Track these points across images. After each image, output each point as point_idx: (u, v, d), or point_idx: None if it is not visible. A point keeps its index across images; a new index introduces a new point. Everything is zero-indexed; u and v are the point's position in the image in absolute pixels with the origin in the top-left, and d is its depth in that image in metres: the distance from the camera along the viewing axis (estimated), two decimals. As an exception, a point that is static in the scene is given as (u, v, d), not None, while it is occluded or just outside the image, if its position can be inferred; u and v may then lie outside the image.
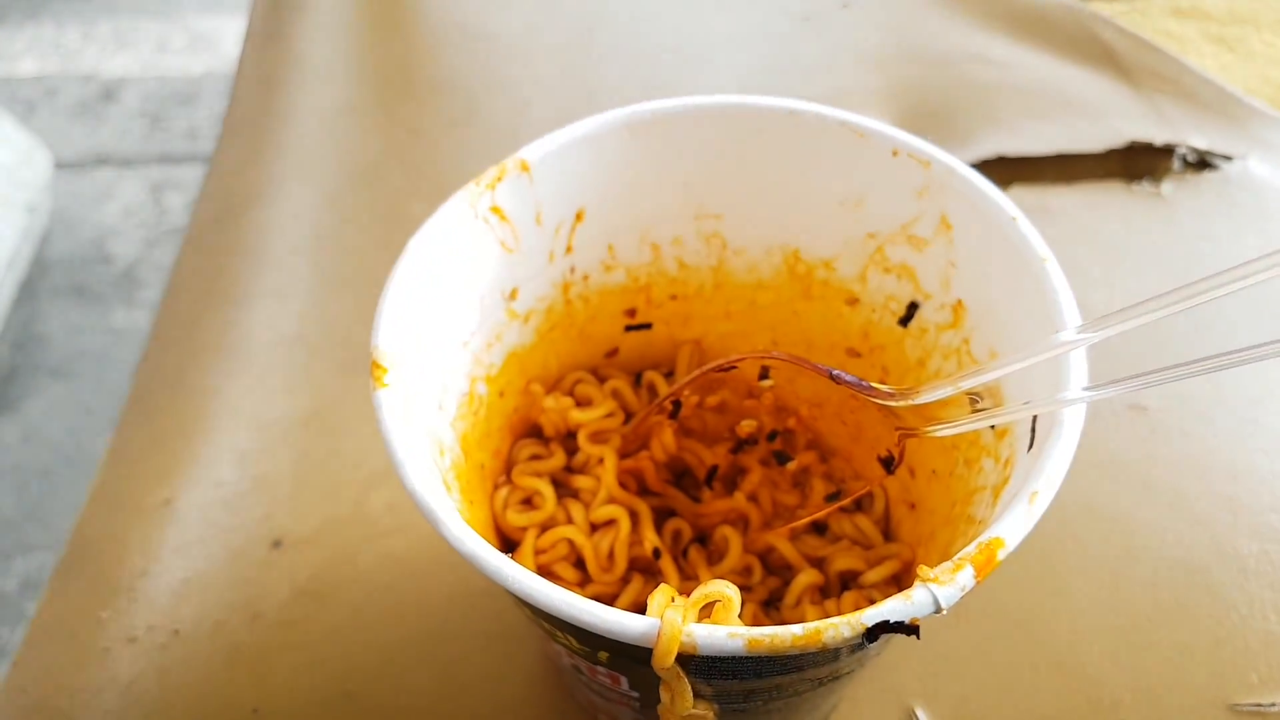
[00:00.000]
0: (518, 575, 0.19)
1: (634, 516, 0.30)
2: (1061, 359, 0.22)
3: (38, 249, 1.37)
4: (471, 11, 0.62)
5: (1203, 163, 0.52)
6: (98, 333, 1.31)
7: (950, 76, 0.56)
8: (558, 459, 0.31)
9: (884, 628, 0.18)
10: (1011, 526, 0.20)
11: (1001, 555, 0.20)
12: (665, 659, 0.18)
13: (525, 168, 0.26)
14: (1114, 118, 0.53)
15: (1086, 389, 0.22)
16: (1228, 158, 0.51)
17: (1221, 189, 0.52)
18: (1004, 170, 0.51)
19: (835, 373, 0.24)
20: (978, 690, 0.35)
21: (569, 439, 0.32)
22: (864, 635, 0.18)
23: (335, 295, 0.48)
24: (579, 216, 0.28)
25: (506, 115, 0.54)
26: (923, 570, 0.19)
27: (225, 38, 1.82)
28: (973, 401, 0.25)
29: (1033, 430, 0.23)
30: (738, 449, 0.31)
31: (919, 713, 0.34)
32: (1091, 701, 0.35)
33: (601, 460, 0.30)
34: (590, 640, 0.21)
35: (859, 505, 0.33)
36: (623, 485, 0.31)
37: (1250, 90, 0.57)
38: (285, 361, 0.45)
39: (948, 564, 0.19)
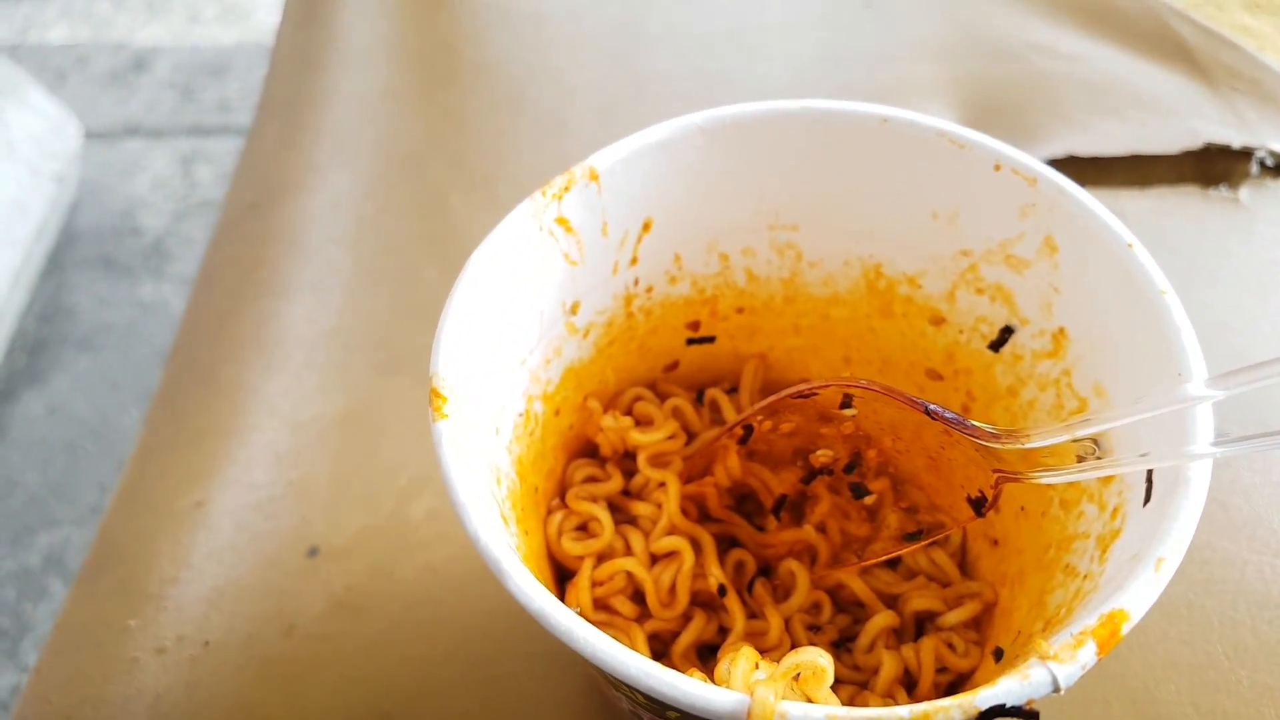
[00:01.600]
0: (590, 639, 0.18)
1: (696, 547, 0.28)
2: (1186, 413, 0.20)
3: (66, 219, 1.36)
4: (516, -8, 0.60)
5: (1282, 168, 0.49)
6: (125, 305, 1.30)
7: (1017, 69, 0.53)
8: (615, 482, 0.29)
9: (998, 711, 0.17)
10: (1136, 597, 0.18)
11: (1125, 629, 0.18)
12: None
13: (594, 176, 0.24)
14: (1189, 117, 0.50)
15: (1215, 443, 0.20)
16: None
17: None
18: (1073, 170, 0.48)
19: (933, 408, 0.22)
20: (1046, 730, 0.33)
21: (626, 459, 0.30)
22: (977, 719, 0.16)
23: (373, 289, 0.46)
24: (646, 226, 0.26)
25: (551, 103, 0.52)
26: (1041, 646, 0.17)
27: (257, 8, 1.81)
28: (1077, 444, 0.23)
29: (1149, 482, 0.21)
30: (811, 479, 0.29)
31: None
32: (1168, 744, 0.33)
33: (662, 485, 0.28)
34: (663, 705, 0.19)
35: (933, 531, 0.31)
36: (683, 512, 0.29)
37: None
38: (322, 359, 0.44)
39: (1067, 638, 0.18)
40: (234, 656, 0.35)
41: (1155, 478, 0.21)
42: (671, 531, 0.28)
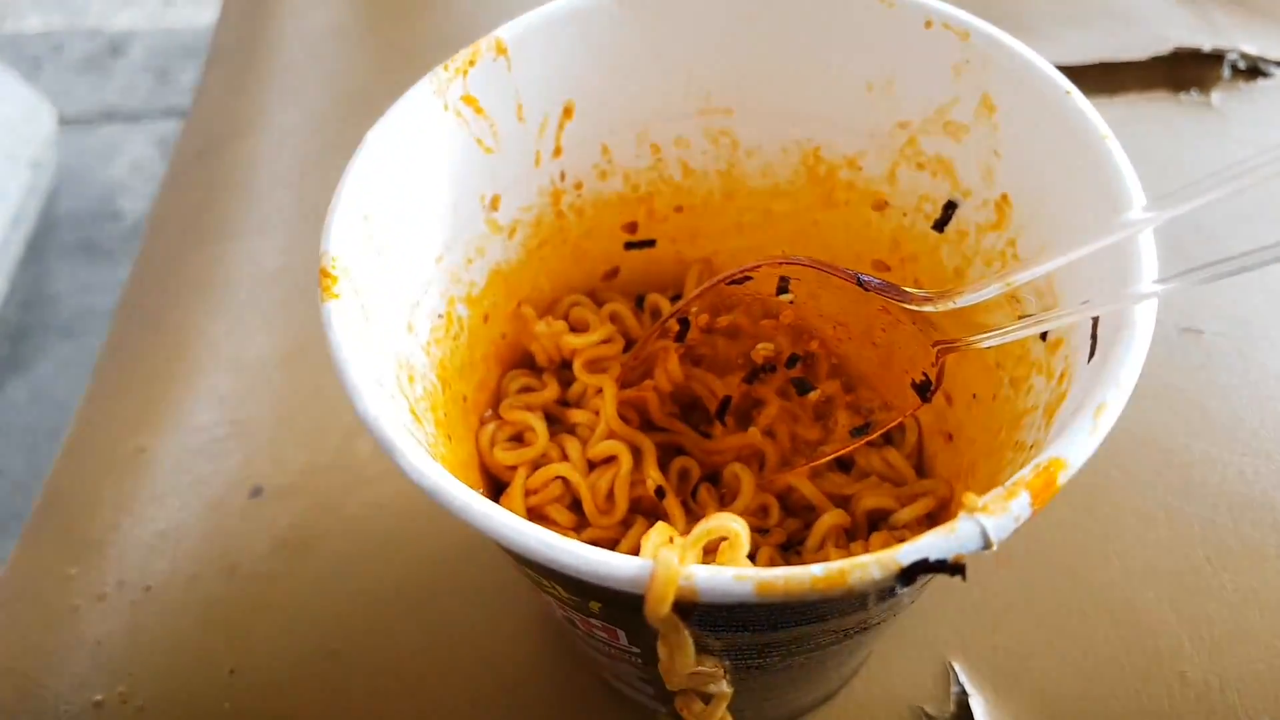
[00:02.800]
0: (487, 512, 0.16)
1: (636, 453, 0.27)
2: (1127, 248, 0.18)
3: (45, 206, 1.35)
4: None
5: (1254, 70, 0.47)
6: (107, 290, 1.29)
7: (983, -18, 0.51)
8: (550, 390, 0.28)
9: (922, 567, 0.15)
10: (1073, 444, 0.16)
11: (1063, 478, 0.16)
12: (660, 607, 0.15)
13: (502, 49, 0.23)
14: (1158, 24, 0.49)
15: (1158, 281, 0.18)
16: (1281, 64, 0.47)
17: (1276, 97, 0.47)
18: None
19: (863, 278, 0.21)
20: (1020, 642, 0.32)
21: (564, 369, 0.29)
22: (898, 577, 0.15)
23: (318, 229, 0.44)
24: (567, 111, 0.25)
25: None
26: (969, 499, 0.16)
27: (229, -12, 1.77)
28: (1017, 306, 0.22)
29: (1093, 337, 0.19)
30: (752, 378, 0.27)
31: (956, 668, 0.31)
32: (1148, 652, 0.32)
33: (599, 391, 0.27)
34: (578, 588, 0.18)
35: (889, 438, 0.29)
36: (624, 419, 0.27)
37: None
38: (267, 298, 0.42)
39: (999, 490, 0.16)
40: (176, 600, 0.34)
41: (1100, 332, 0.19)
42: (609, 436, 0.26)
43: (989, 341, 0.20)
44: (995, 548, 0.16)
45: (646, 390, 0.27)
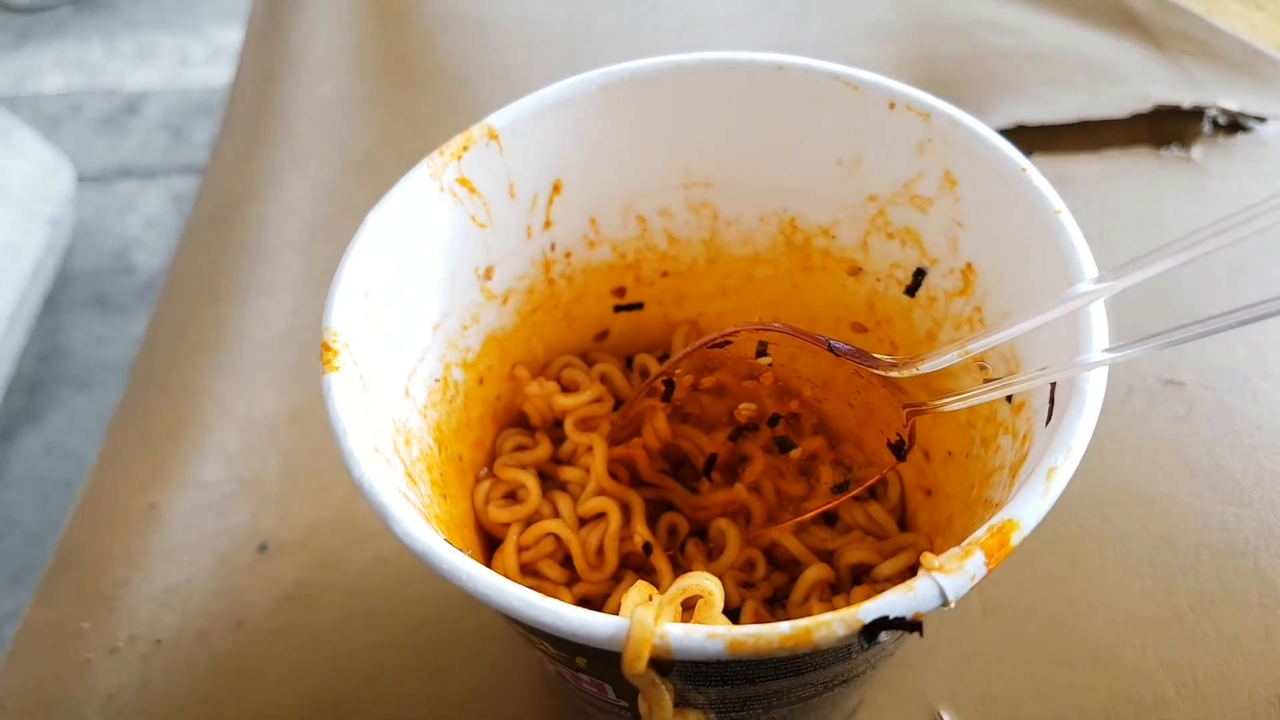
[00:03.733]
0: (472, 572, 0.17)
1: (625, 510, 0.28)
2: (1079, 318, 0.20)
3: (61, 262, 1.38)
4: (471, 0, 0.61)
5: (1234, 125, 0.49)
6: (120, 343, 1.31)
7: (964, 45, 0.53)
8: (543, 449, 0.29)
9: (883, 625, 0.16)
10: (1026, 506, 0.18)
11: (1016, 539, 0.17)
12: (636, 664, 0.16)
13: (494, 135, 0.24)
14: (1139, 82, 0.50)
15: (1109, 350, 0.19)
16: (1261, 119, 0.48)
17: (1255, 151, 0.49)
18: (1024, 140, 0.48)
19: (834, 344, 0.22)
20: (1008, 690, 0.33)
21: (556, 428, 0.30)
22: (861, 633, 0.16)
23: (325, 289, 0.46)
24: (556, 188, 0.26)
25: (502, 101, 0.52)
26: (927, 559, 0.17)
27: (243, 47, 1.82)
28: (983, 371, 0.23)
29: (1051, 400, 0.20)
30: (737, 435, 0.29)
31: (944, 716, 0.32)
32: (1133, 699, 0.32)
33: (590, 449, 0.28)
34: (564, 645, 0.19)
35: (873, 494, 0.30)
36: (614, 476, 0.28)
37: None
38: (275, 358, 0.44)
39: (955, 550, 0.17)
40: (185, 654, 0.35)
41: (1057, 396, 0.20)
42: (599, 494, 0.28)
43: (952, 406, 0.21)
44: (953, 605, 0.17)
45: (635, 448, 0.29)
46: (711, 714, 0.21)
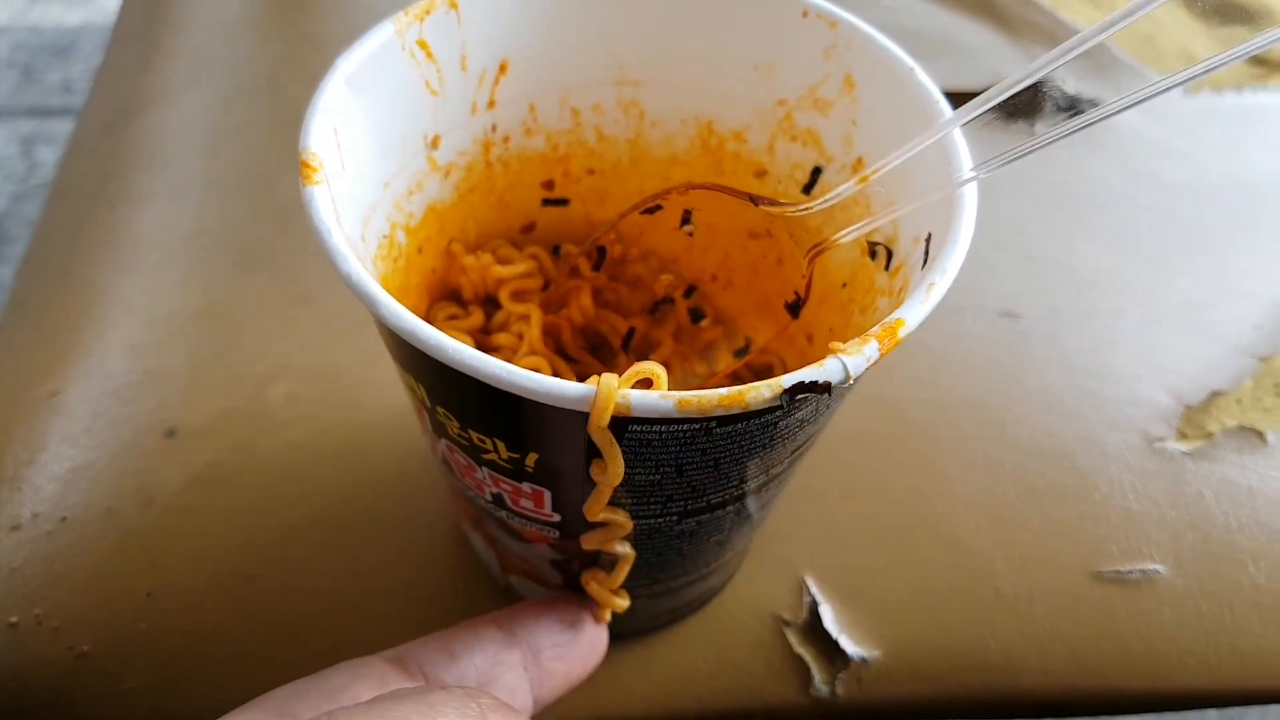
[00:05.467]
0: (458, 346, 0.20)
1: (554, 372, 0.31)
2: (946, 148, 0.24)
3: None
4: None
5: (1071, 105, 0.56)
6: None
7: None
8: (476, 317, 0.31)
9: (801, 388, 0.20)
10: (910, 310, 0.21)
11: (903, 333, 0.21)
12: (602, 417, 0.19)
13: (453, 4, 0.27)
14: (993, 61, 0.57)
15: (975, 167, 0.24)
16: (1094, 102, 0.56)
17: (1088, 129, 0.56)
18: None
19: (754, 196, 0.26)
20: (865, 560, 0.37)
21: (487, 304, 0.32)
22: (783, 395, 0.19)
23: (232, 196, 0.47)
24: (503, 68, 0.29)
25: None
26: (834, 345, 0.21)
27: (104, -10, 1.73)
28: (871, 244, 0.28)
29: (925, 254, 0.25)
30: (655, 309, 0.32)
31: (809, 582, 0.36)
32: (969, 570, 0.37)
33: (524, 317, 0.31)
34: (523, 435, 0.21)
35: (760, 379, 0.34)
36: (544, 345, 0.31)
37: (1115, 41, 0.62)
38: (179, 259, 0.44)
39: (856, 340, 0.21)
40: (91, 530, 0.36)
41: (931, 250, 0.24)
42: (532, 354, 0.30)
43: (851, 233, 0.25)
44: (852, 381, 0.20)
45: (561, 319, 0.31)
46: (629, 515, 0.24)
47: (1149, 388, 0.43)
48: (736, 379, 0.32)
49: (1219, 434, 0.42)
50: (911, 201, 0.25)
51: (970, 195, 0.24)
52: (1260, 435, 0.42)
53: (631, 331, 0.32)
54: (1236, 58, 0.19)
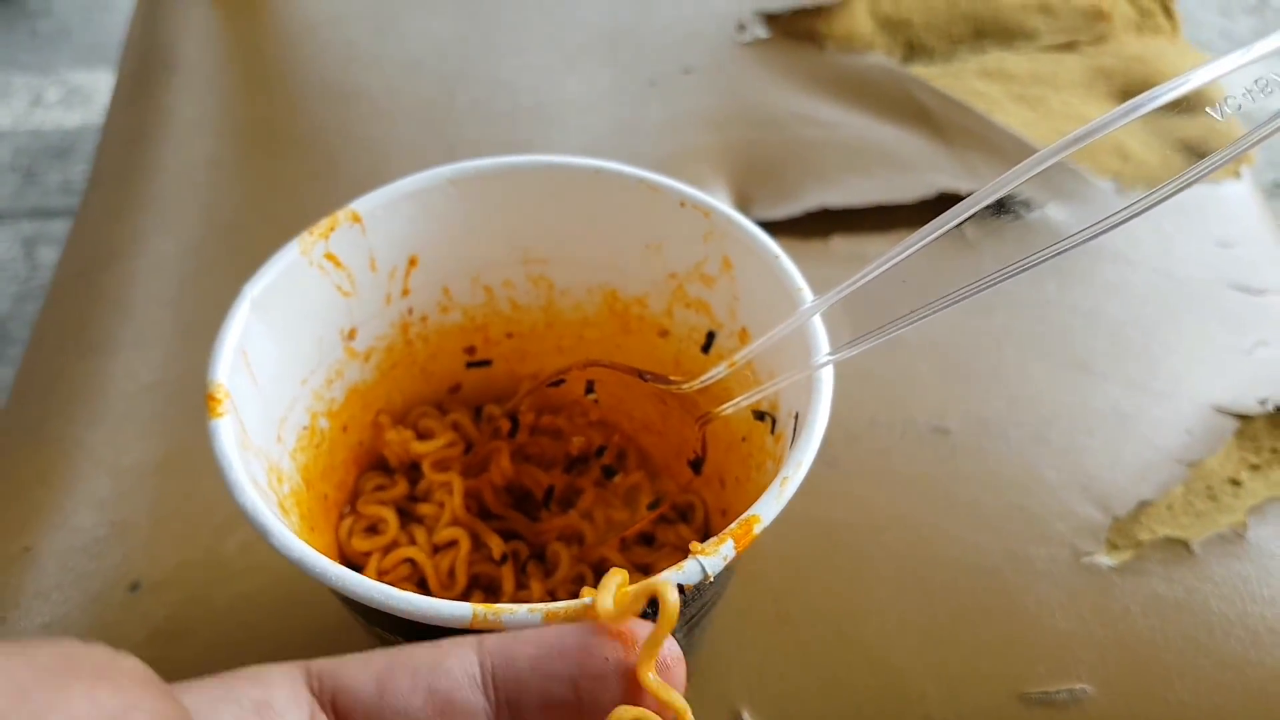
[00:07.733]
0: (340, 573, 0.22)
1: (474, 539, 0.33)
2: (807, 334, 0.26)
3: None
4: (335, 72, 0.65)
5: (1000, 207, 0.58)
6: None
7: (782, 136, 0.61)
8: (401, 488, 0.33)
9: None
10: (765, 506, 0.23)
11: (758, 529, 0.23)
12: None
13: (357, 218, 0.29)
14: (927, 171, 0.59)
15: (831, 351, 0.26)
16: (1027, 205, 0.58)
17: (1022, 233, 0.57)
18: (826, 221, 0.56)
19: (642, 372, 0.28)
20: (799, 689, 0.38)
21: (412, 470, 0.35)
22: (646, 606, 0.21)
23: (194, 343, 0.49)
24: (412, 262, 0.31)
25: (367, 169, 0.57)
26: (695, 546, 0.23)
27: (100, 91, 1.79)
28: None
29: (794, 430, 0.27)
30: (570, 467, 0.34)
31: (745, 716, 0.38)
32: (900, 694, 0.38)
33: (446, 485, 0.33)
34: (421, 634, 0.23)
35: (684, 518, 0.36)
36: (465, 509, 0.33)
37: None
38: (143, 409, 0.46)
39: (714, 539, 0.23)
40: (56, 687, 0.37)
41: (799, 425, 0.26)
42: (453, 524, 0.32)
43: (728, 409, 0.27)
44: (712, 579, 0.22)
45: (484, 483, 0.33)
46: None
47: (1078, 500, 0.45)
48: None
49: (1148, 543, 0.43)
50: (782, 379, 0.27)
51: (827, 378, 0.25)
52: (1186, 546, 0.43)
53: (552, 489, 0.34)
54: (1202, 174, 0.20)
